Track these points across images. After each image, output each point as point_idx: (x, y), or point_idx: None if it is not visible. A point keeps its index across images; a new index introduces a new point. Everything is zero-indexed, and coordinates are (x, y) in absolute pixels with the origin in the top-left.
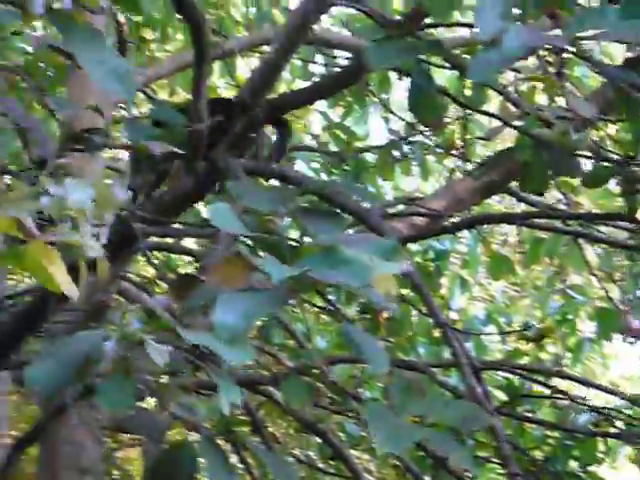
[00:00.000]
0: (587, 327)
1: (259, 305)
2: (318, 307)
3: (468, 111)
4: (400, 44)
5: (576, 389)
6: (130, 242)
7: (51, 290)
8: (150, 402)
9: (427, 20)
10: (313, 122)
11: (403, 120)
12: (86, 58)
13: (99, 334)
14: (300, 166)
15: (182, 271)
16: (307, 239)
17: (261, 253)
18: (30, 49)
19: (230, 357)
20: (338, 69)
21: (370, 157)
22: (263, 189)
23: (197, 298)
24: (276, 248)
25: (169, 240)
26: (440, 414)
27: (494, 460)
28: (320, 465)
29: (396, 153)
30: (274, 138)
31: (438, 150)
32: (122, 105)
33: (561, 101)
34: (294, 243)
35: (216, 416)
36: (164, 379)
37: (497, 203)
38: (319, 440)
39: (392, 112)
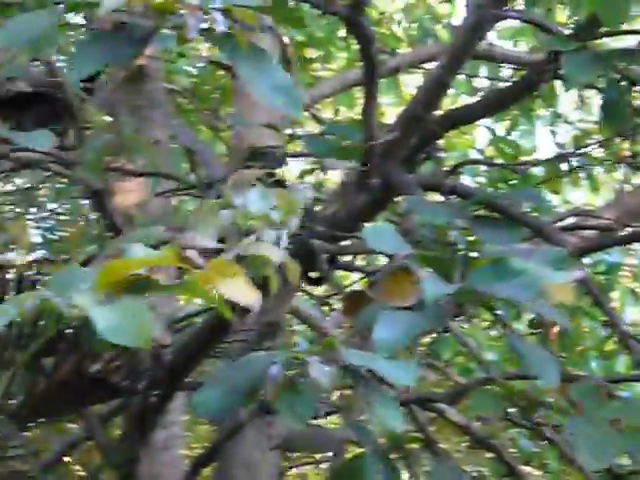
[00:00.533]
0: None
1: (420, 321)
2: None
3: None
4: (594, 54)
5: None
6: (309, 260)
7: (222, 313)
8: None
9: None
10: (478, 136)
11: (578, 129)
12: (249, 74)
13: (267, 358)
14: (466, 181)
15: (350, 289)
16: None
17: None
18: (194, 71)
19: (394, 378)
20: (504, 84)
21: (537, 171)
22: (436, 202)
23: (365, 315)
24: (442, 263)
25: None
26: (634, 417)
27: None
28: None
29: (564, 166)
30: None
31: (607, 162)
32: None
33: None
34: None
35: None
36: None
37: None
38: (492, 456)
39: (566, 122)
